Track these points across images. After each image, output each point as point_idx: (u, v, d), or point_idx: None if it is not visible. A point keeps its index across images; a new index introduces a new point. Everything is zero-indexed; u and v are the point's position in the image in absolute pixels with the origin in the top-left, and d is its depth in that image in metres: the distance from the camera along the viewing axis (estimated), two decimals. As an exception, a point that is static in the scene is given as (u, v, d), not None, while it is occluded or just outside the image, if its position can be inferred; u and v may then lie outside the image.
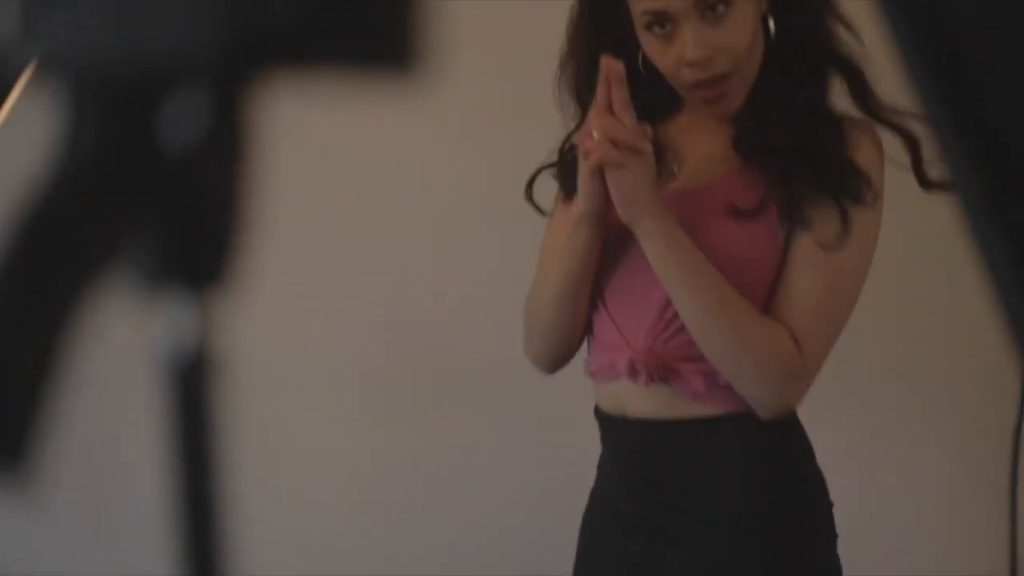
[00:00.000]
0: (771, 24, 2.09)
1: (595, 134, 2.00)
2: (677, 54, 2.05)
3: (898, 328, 3.13)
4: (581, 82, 2.16)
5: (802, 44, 2.10)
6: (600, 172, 2.02)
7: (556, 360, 2.24)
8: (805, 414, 2.15)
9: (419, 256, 3.25)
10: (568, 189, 2.19)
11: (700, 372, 2.10)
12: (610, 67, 1.99)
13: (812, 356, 2.07)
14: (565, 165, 2.21)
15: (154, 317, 0.58)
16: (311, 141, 3.00)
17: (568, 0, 2.16)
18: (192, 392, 0.58)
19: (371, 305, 3.27)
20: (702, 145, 2.16)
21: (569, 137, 2.21)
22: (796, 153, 2.06)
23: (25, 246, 0.53)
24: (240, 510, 0.64)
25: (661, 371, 2.11)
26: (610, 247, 2.13)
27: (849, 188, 2.05)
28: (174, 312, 0.58)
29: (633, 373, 2.11)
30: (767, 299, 2.10)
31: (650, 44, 2.08)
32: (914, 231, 2.88)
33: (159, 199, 0.55)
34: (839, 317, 2.10)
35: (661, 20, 2.04)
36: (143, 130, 0.55)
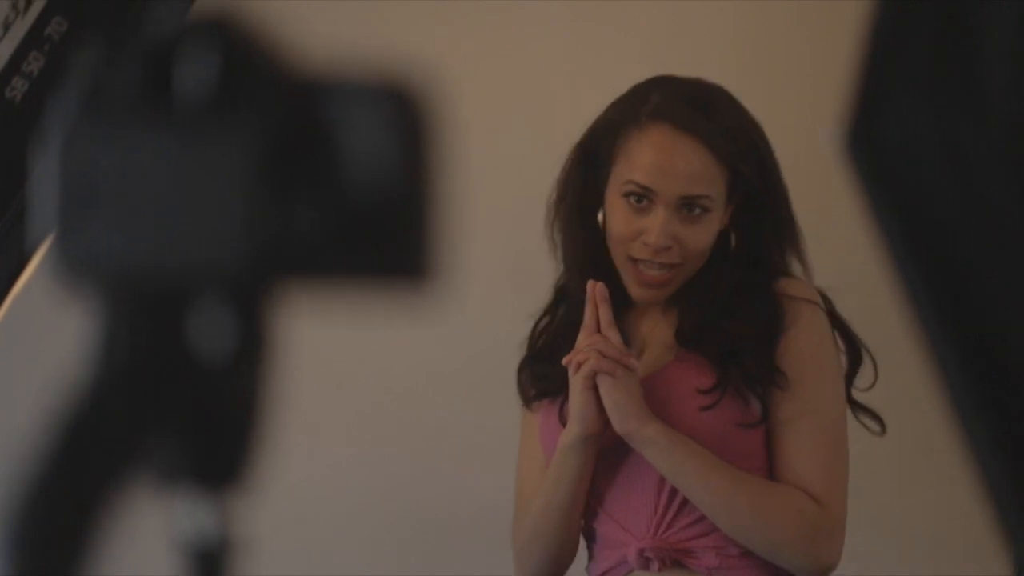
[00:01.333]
0: (732, 240, 2.18)
1: (585, 350, 2.06)
2: (640, 228, 2.11)
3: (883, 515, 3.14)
4: (569, 231, 2.21)
5: (755, 257, 2.18)
6: (592, 388, 2.06)
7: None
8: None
9: (430, 449, 3.27)
10: (528, 400, 2.23)
11: (711, 547, 2.11)
12: (596, 290, 2.07)
13: (835, 507, 2.11)
14: (526, 374, 2.24)
15: (176, 510, 0.61)
16: (327, 347, 3.03)
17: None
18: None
19: (382, 490, 3.29)
20: (659, 329, 2.20)
21: (534, 340, 2.25)
22: (732, 345, 2.12)
23: (59, 445, 0.56)
24: None
25: (672, 555, 2.12)
26: (601, 446, 2.14)
27: (779, 380, 2.11)
28: (194, 508, 0.61)
29: (645, 564, 2.12)
30: (766, 463, 2.14)
31: (617, 208, 2.13)
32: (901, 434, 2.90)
33: (184, 402, 0.59)
34: (843, 460, 2.14)
35: (640, 196, 2.10)
36: (169, 338, 0.59)
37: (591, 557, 2.22)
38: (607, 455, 2.14)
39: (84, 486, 0.57)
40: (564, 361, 2.09)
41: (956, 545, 3.09)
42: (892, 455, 3.09)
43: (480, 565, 3.25)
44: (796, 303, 2.14)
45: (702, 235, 2.12)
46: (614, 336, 2.07)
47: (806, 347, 2.13)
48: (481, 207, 2.98)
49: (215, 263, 0.59)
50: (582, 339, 2.08)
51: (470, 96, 2.90)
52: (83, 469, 0.57)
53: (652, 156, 2.11)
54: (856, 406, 2.20)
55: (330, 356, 3.13)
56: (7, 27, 1.59)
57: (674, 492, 2.11)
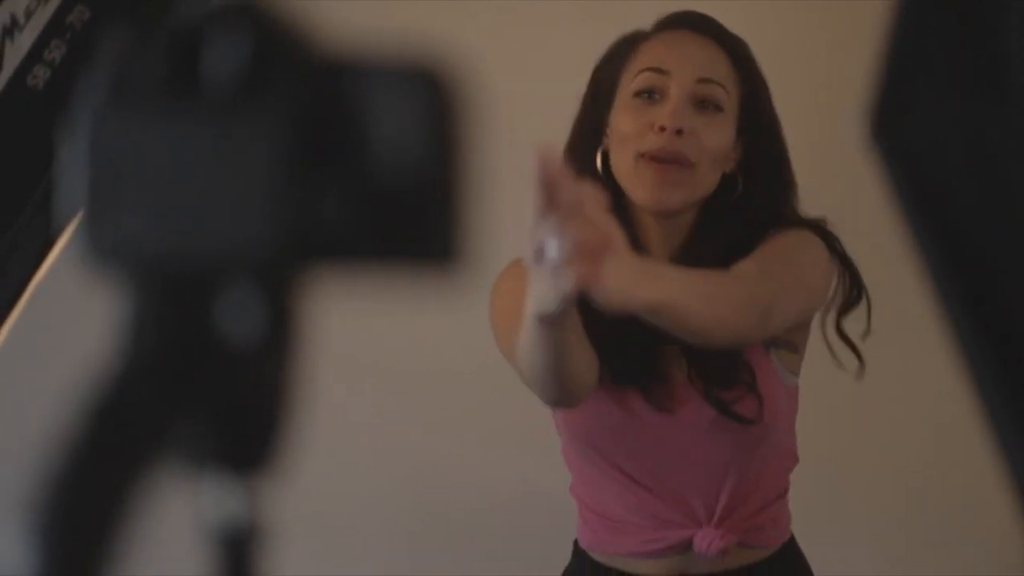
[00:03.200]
0: (740, 183, 2.09)
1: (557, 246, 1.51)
2: (651, 118, 2.02)
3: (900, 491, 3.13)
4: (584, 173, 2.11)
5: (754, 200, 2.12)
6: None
7: (578, 396, 1.95)
8: None
9: (457, 437, 3.28)
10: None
11: (771, 519, 2.15)
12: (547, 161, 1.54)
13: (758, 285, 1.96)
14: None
15: (203, 496, 0.61)
16: (355, 333, 3.04)
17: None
18: (238, 564, 0.61)
19: (407, 477, 3.30)
20: None
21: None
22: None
23: (86, 431, 0.56)
24: None
25: (745, 537, 2.13)
26: (627, 427, 2.09)
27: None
28: (221, 491, 0.61)
29: (723, 551, 2.09)
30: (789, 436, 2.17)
31: (627, 111, 2.06)
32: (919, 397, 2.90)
33: (212, 388, 0.58)
34: (779, 273, 2.00)
35: (652, 90, 2.05)
36: (196, 323, 0.59)
37: (602, 527, 2.16)
38: (656, 433, 2.08)
39: (111, 472, 0.57)
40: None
41: (980, 534, 3.09)
42: (920, 448, 3.09)
43: (503, 555, 3.25)
44: (781, 229, 2.07)
45: (716, 133, 2.04)
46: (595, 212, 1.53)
47: (778, 237, 2.04)
48: (510, 191, 2.97)
49: (243, 248, 0.59)
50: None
51: (499, 79, 2.90)
52: (110, 455, 0.57)
53: (665, 45, 2.08)
54: (843, 337, 2.16)
55: (357, 342, 3.14)
56: (29, 15, 1.59)
57: (739, 476, 2.10)
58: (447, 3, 3.04)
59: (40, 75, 1.59)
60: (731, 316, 1.85)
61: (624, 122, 2.06)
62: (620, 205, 2.06)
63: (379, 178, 0.60)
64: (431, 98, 0.62)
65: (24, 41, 1.59)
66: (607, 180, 2.08)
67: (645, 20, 2.26)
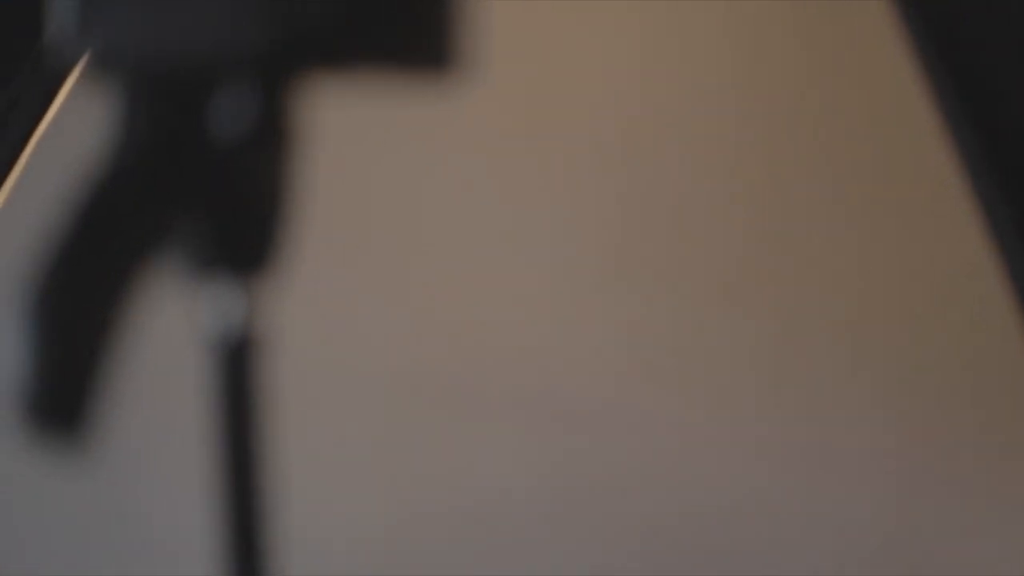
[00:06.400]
0: None
1: None
2: None
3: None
4: None
5: None
6: None
7: None
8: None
9: (452, 249, 3.28)
10: None
11: None
12: None
13: None
14: None
15: (200, 302, 0.61)
16: (353, 136, 3.02)
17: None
18: (236, 372, 0.60)
19: (405, 298, 3.30)
20: None
21: None
22: None
23: (79, 232, 0.56)
24: (281, 501, 0.66)
25: None
26: None
27: None
28: (219, 297, 0.60)
29: None
30: None
31: None
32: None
33: (206, 190, 0.58)
34: None
35: None
36: (192, 124, 0.58)
37: None
38: None
39: (104, 276, 0.56)
40: None
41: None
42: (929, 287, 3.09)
43: (494, 407, 3.26)
44: None
45: None
46: None
47: None
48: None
49: (236, 47, 0.58)
50: None
51: None
52: (102, 258, 0.56)
53: None
54: None
55: (351, 146, 3.13)
56: None
57: None
58: None
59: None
60: None
61: None
62: None
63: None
64: None
65: None
66: None
67: None
